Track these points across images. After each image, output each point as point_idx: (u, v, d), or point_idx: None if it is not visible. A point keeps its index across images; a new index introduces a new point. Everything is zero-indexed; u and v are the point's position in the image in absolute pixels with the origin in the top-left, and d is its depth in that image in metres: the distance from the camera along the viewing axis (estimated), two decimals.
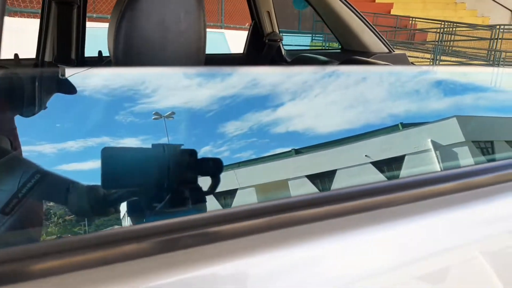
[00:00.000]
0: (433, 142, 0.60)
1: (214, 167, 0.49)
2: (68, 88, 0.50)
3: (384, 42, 2.34)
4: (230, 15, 9.81)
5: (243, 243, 0.44)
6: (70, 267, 0.37)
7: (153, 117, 0.49)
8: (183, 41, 0.71)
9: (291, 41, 10.59)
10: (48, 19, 1.78)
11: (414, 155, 0.62)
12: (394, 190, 0.53)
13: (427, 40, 12.31)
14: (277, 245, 0.45)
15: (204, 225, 0.43)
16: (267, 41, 2.10)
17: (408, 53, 11.06)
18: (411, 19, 13.03)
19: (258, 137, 0.53)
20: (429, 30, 12.31)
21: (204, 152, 0.50)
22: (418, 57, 10.76)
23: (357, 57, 1.57)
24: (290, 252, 0.45)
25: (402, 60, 2.33)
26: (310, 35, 12.32)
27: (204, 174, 0.49)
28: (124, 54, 0.69)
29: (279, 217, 0.46)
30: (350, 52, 2.34)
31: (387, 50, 2.34)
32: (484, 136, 0.67)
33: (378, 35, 2.32)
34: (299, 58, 1.98)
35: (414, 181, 0.55)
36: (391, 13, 13.67)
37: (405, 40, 12.69)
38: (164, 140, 0.48)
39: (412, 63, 2.37)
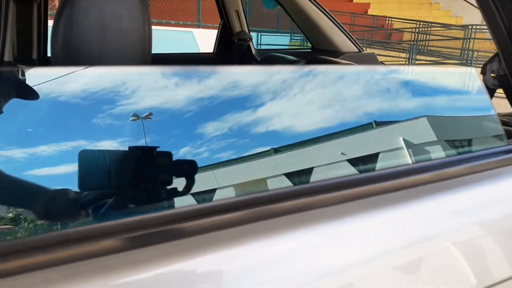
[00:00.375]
0: (405, 140, 0.62)
1: (188, 169, 0.50)
2: (29, 91, 0.48)
3: (353, 41, 2.36)
4: (208, 14, 9.76)
5: (220, 236, 0.44)
6: (42, 264, 0.37)
7: (130, 119, 0.49)
8: (125, 40, 0.69)
9: (269, 41, 10.61)
10: (7, 17, 1.71)
11: (388, 151, 0.64)
12: (368, 183, 0.54)
13: (403, 40, 12.54)
14: (255, 237, 0.45)
15: (180, 220, 0.44)
16: (236, 40, 2.09)
17: (384, 52, 11.26)
18: (387, 19, 13.24)
19: (237, 137, 0.54)
20: (405, 30, 12.54)
21: (182, 152, 0.50)
22: (394, 57, 10.96)
23: (322, 56, 1.57)
24: (268, 244, 0.46)
25: (371, 60, 2.35)
26: (289, 34, 12.36)
27: (178, 175, 0.50)
28: (62, 52, 0.66)
29: (257, 210, 0.47)
30: (321, 52, 2.35)
31: (357, 50, 2.36)
32: (451, 134, 0.68)
33: (348, 35, 2.34)
34: (269, 57, 1.98)
35: (387, 174, 0.57)
36: (368, 13, 13.87)
37: (382, 40, 12.89)
38: (142, 141, 0.48)
39: (382, 63, 2.39)
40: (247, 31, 2.14)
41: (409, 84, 0.69)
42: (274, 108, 0.59)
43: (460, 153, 0.64)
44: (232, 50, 2.12)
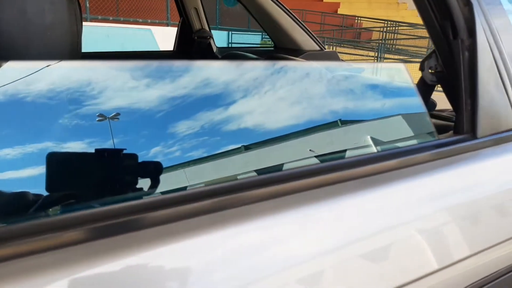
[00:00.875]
0: (371, 137, 0.64)
1: (154, 170, 0.49)
2: None
3: (315, 40, 2.37)
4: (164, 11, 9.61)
5: (187, 226, 0.44)
6: (2, 258, 0.37)
7: (97, 119, 0.48)
8: (49, 35, 0.65)
9: (240, 39, 10.59)
10: None
11: (353, 149, 0.65)
12: (336, 170, 0.55)
13: (372, 39, 12.79)
14: (221, 227, 0.45)
15: (144, 210, 0.43)
16: (196, 38, 2.06)
17: (354, 51, 11.45)
18: (356, 18, 13.47)
19: (207, 135, 0.54)
20: (373, 29, 12.80)
21: (151, 152, 0.50)
22: (363, 55, 11.17)
23: (279, 55, 1.57)
24: (238, 232, 0.45)
25: (333, 58, 2.38)
26: (260, 33, 12.38)
27: (144, 176, 0.49)
28: None
29: (227, 198, 0.47)
30: (283, 50, 2.35)
31: (318, 48, 2.38)
32: (386, 130, 0.69)
33: (310, 34, 2.35)
34: (229, 55, 1.96)
35: (355, 161, 0.57)
36: (338, 12, 14.06)
37: (351, 39, 13.10)
38: (109, 142, 0.47)
39: (343, 61, 2.42)
40: (208, 29, 2.12)
41: (343, 80, 0.69)
42: (225, 107, 0.58)
43: (393, 148, 0.64)
44: (192, 48, 2.08)
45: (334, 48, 11.41)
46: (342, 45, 11.68)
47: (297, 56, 2.25)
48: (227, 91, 0.59)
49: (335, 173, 0.54)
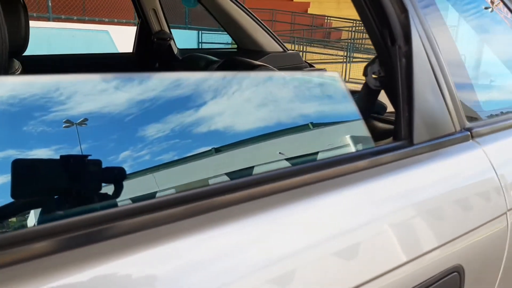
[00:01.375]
0: (342, 138, 0.66)
1: (117, 175, 0.49)
2: None
3: (278, 41, 2.38)
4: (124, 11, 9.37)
5: (157, 233, 0.44)
6: None
7: (63, 125, 0.47)
8: None
9: (210, 39, 10.51)
10: None
11: (325, 151, 0.66)
12: (308, 171, 0.56)
13: (342, 38, 12.99)
14: (194, 232, 0.46)
15: (114, 219, 0.43)
16: (155, 40, 2.01)
17: (324, 50, 11.58)
18: (326, 18, 13.65)
19: (177, 138, 0.54)
20: (343, 28, 13.00)
21: (120, 157, 0.50)
22: (333, 55, 11.32)
23: (238, 57, 1.55)
24: (209, 237, 0.46)
25: (295, 59, 2.39)
26: None
27: (108, 182, 0.49)
28: None
29: (197, 205, 0.48)
30: (246, 51, 2.34)
31: (281, 50, 2.39)
32: (323, 138, 0.68)
33: (272, 35, 2.36)
34: (189, 57, 1.93)
35: (325, 163, 0.59)
36: (308, 12, 14.20)
37: (321, 38, 13.26)
38: (77, 148, 0.47)
39: (306, 62, 2.43)
40: (168, 30, 2.08)
41: (277, 91, 0.69)
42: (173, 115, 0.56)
43: (330, 157, 0.63)
44: (151, 49, 2.04)
45: (305, 47, 11.51)
46: (312, 44, 11.79)
47: (260, 58, 2.24)
48: (170, 104, 0.58)
49: (266, 185, 0.53)
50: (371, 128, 0.94)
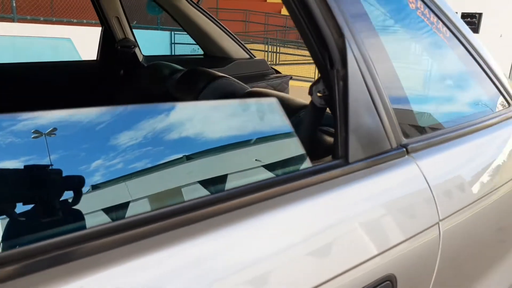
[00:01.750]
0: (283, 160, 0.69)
1: (78, 184, 0.49)
2: None
3: (244, 49, 2.41)
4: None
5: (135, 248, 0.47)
6: None
7: (32, 136, 0.46)
8: None
9: (183, 39, 10.43)
10: None
11: (267, 171, 0.70)
12: (251, 192, 0.60)
13: None
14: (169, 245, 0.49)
15: (84, 240, 0.45)
16: (119, 47, 2.01)
17: (297, 51, 11.68)
18: None
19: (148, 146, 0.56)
20: None
21: (91, 166, 0.51)
22: (306, 56, 11.44)
23: (201, 68, 1.57)
24: (183, 249, 0.50)
25: (262, 66, 2.42)
26: None
27: (69, 190, 0.49)
28: None
29: (172, 220, 0.51)
30: (212, 58, 2.36)
31: (248, 56, 2.42)
32: (266, 157, 0.72)
33: (239, 42, 2.39)
34: (153, 65, 1.93)
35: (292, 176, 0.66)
36: (281, 13, 14.31)
37: (294, 39, 13.40)
38: (47, 159, 0.47)
39: (272, 68, 2.48)
40: (132, 38, 2.07)
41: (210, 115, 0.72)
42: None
43: (272, 178, 0.67)
44: (116, 57, 2.03)
45: (278, 48, 11.63)
46: (285, 45, 11.90)
47: (226, 64, 2.27)
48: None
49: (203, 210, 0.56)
50: (319, 142, 0.99)
